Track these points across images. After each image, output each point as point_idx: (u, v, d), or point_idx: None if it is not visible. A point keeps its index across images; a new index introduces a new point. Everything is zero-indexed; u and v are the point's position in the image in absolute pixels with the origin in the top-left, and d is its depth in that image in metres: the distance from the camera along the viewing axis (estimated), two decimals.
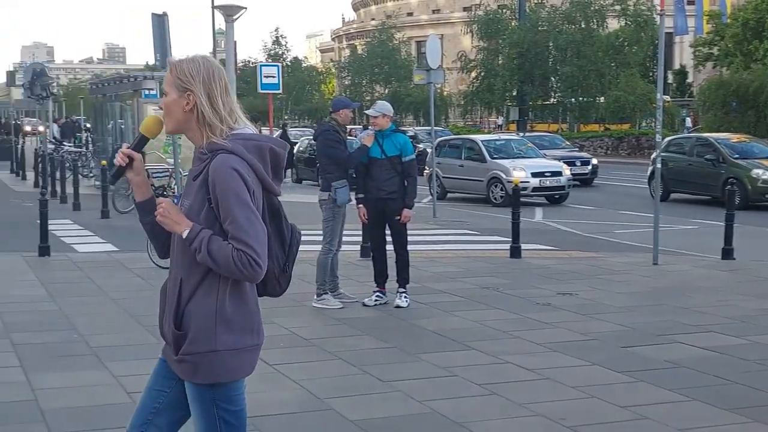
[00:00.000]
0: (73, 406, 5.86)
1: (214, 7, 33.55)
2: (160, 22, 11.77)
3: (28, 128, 53.12)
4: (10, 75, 43.62)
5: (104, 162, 20.07)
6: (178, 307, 3.18)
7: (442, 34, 61.23)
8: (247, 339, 3.18)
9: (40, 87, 27.16)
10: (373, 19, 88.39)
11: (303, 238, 3.38)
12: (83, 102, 71.21)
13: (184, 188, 3.31)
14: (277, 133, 27.82)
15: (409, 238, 9.41)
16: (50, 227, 12.97)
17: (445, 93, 64.38)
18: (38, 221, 12.65)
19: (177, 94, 3.19)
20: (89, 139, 36.73)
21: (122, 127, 24.45)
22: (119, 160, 3.26)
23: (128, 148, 3.30)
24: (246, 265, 3.05)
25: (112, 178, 3.40)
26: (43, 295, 9.79)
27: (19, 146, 32.57)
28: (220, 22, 60.96)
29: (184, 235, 3.12)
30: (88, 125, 49.07)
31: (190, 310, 3.16)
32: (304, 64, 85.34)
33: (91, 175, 26.21)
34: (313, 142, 21.67)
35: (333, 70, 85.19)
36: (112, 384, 6.39)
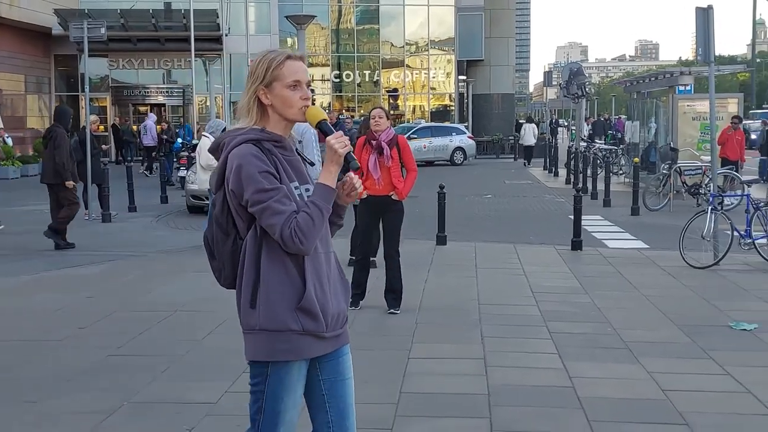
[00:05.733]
0: (609, 397, 5.96)
1: None
2: (704, 16, 11.51)
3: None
4: (547, 75, 45.97)
5: (636, 159, 20.24)
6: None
7: None
8: None
9: (576, 86, 28.18)
10: None
11: None
12: (614, 100, 72.60)
13: (299, 174, 3.15)
14: None
15: None
16: (582, 222, 13.37)
17: None
18: (570, 216, 13.12)
19: None
20: (617, 136, 37.31)
21: (651, 125, 24.44)
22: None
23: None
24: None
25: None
26: (576, 287, 10.12)
27: (551, 144, 33.96)
28: (762, 12, 58.16)
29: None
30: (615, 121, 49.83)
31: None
32: None
33: (621, 172, 26.58)
34: None
35: None
36: (646, 379, 6.41)
